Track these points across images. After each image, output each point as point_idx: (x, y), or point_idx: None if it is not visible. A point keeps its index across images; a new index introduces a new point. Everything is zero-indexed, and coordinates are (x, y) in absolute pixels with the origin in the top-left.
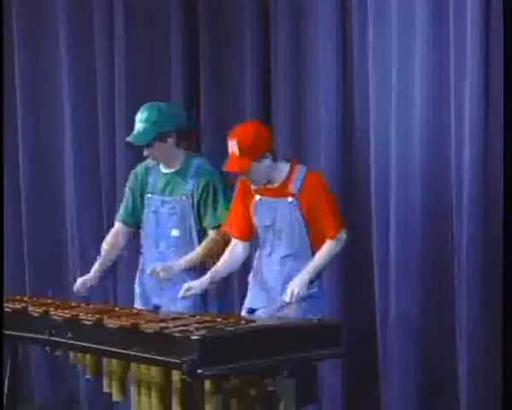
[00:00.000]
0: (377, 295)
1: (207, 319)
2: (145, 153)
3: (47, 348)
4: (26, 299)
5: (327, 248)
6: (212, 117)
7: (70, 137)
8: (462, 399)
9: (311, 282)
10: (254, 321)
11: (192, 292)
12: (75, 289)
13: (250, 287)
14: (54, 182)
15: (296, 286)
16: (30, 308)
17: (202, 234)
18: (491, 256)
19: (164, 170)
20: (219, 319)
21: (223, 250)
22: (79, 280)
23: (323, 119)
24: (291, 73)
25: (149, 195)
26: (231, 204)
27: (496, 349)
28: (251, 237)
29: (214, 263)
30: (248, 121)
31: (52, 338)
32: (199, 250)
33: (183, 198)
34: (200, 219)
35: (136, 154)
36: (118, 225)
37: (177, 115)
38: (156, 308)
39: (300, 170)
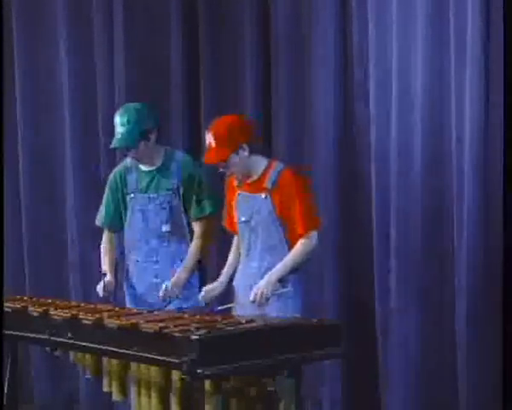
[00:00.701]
0: (377, 294)
1: (207, 318)
2: (130, 156)
3: (47, 348)
4: (25, 299)
5: (297, 248)
6: (212, 116)
7: (70, 138)
8: (461, 398)
9: (280, 281)
10: (254, 321)
11: (212, 294)
12: (101, 294)
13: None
14: (54, 182)
15: (261, 287)
16: (30, 308)
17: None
18: (492, 255)
19: (144, 168)
20: (219, 319)
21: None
22: (101, 284)
23: (323, 118)
24: (291, 71)
25: (132, 194)
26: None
27: (496, 348)
28: None
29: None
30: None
31: (52, 338)
32: (193, 252)
33: (170, 193)
34: (185, 209)
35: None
36: (105, 232)
37: (153, 112)
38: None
39: (276, 166)
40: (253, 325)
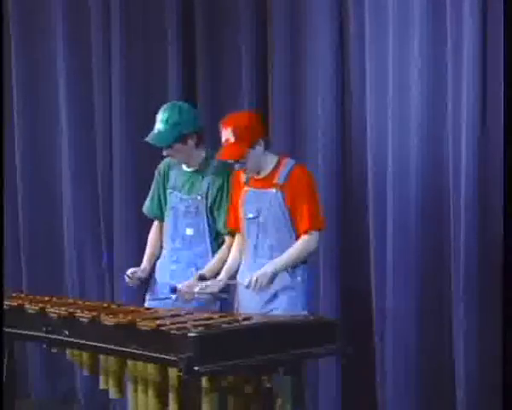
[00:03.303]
0: (374, 293)
1: (204, 316)
2: (164, 153)
3: (44, 346)
4: (22, 296)
5: (298, 245)
6: (209, 115)
7: (67, 137)
8: (460, 397)
9: (274, 275)
10: (251, 319)
11: (208, 290)
12: (126, 279)
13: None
14: (51, 180)
15: (257, 275)
16: (26, 305)
17: (215, 235)
18: (489, 253)
19: (184, 167)
20: (216, 317)
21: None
22: (130, 269)
23: (321, 116)
24: (289, 69)
25: (170, 190)
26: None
27: (495, 347)
28: None
29: None
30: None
31: (49, 335)
32: (217, 261)
33: (199, 198)
34: (213, 219)
35: (133, 152)
36: (155, 221)
37: (197, 116)
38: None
39: (288, 162)
40: (250, 322)
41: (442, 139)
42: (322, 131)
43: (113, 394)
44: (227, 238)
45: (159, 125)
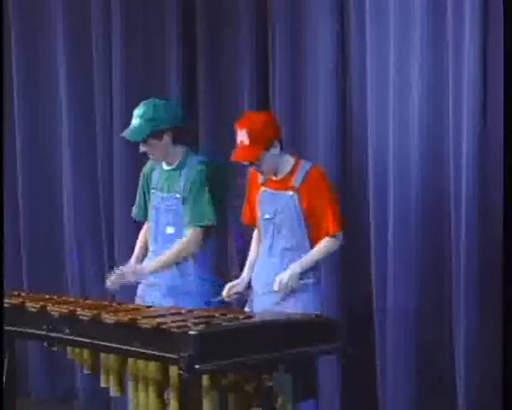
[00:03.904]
0: (375, 290)
1: (205, 314)
2: (141, 149)
3: (44, 344)
4: (23, 294)
5: (323, 245)
6: (210, 112)
7: (67, 135)
8: (460, 394)
9: (301, 275)
10: (252, 317)
11: (234, 291)
12: (109, 283)
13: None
14: (51, 180)
15: (285, 277)
16: (27, 304)
17: None
18: (490, 248)
19: (165, 167)
20: (217, 315)
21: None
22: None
23: (321, 112)
24: (289, 65)
25: (153, 190)
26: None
27: (495, 344)
28: None
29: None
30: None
31: (49, 333)
32: (170, 254)
33: (177, 195)
34: None
35: (133, 151)
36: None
37: (174, 113)
38: None
39: (305, 164)
40: (251, 320)
41: (443, 138)
42: (323, 130)
43: (113, 392)
44: (189, 231)
45: (134, 121)
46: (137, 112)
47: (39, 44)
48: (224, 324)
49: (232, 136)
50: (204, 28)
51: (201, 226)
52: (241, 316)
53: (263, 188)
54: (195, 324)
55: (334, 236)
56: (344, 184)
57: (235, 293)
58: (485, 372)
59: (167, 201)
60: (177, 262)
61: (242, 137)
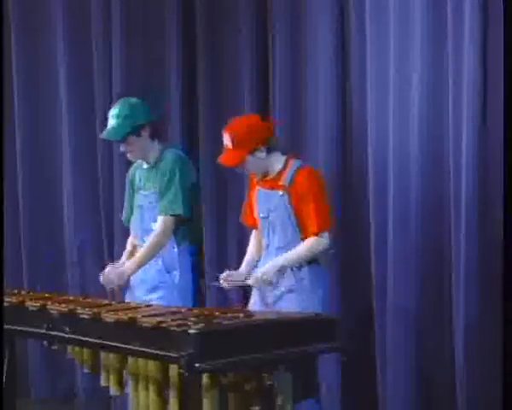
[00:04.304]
0: (375, 290)
1: (205, 313)
2: (121, 149)
3: (44, 343)
4: (23, 293)
5: (306, 245)
6: (210, 112)
7: (67, 135)
8: (460, 396)
9: (280, 271)
10: (252, 315)
11: (233, 279)
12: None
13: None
14: (51, 178)
15: (260, 272)
16: (27, 302)
17: (176, 226)
18: (490, 247)
19: (145, 165)
20: (217, 313)
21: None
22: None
23: (321, 112)
24: (289, 65)
25: (137, 191)
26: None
27: (495, 342)
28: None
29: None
30: (246, 114)
31: (49, 332)
32: (144, 249)
33: (156, 190)
34: None
35: None
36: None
37: (149, 108)
38: None
39: (294, 163)
40: (251, 319)
41: (442, 137)
42: (323, 130)
43: (113, 391)
44: (159, 219)
45: (111, 121)
46: (113, 112)
47: (39, 44)
48: (224, 322)
49: None
50: (204, 28)
51: (171, 215)
52: (241, 315)
53: (257, 187)
54: (195, 322)
55: (318, 235)
56: (344, 183)
57: (232, 281)
58: (485, 372)
59: (148, 198)
60: (154, 254)
61: (227, 141)
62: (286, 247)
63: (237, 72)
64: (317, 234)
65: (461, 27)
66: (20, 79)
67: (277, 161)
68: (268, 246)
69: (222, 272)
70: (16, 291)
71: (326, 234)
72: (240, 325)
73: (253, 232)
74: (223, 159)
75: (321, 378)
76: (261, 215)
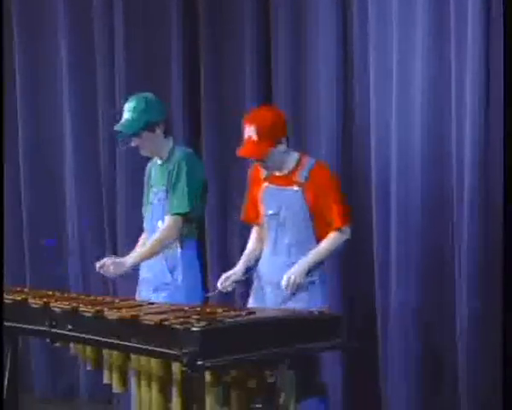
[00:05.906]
0: (377, 287)
1: (208, 310)
2: (133, 143)
3: (47, 340)
4: (26, 290)
5: (331, 240)
6: (212, 109)
7: (69, 133)
8: (462, 394)
9: (309, 271)
10: (255, 313)
11: (231, 280)
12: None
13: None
14: (54, 178)
15: (293, 274)
16: (30, 300)
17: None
18: (491, 246)
19: (158, 162)
20: (220, 311)
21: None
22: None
23: (323, 108)
24: (291, 63)
25: (151, 188)
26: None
27: (496, 341)
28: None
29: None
30: (247, 110)
31: (52, 330)
32: (148, 245)
33: (164, 188)
34: None
35: (136, 151)
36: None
37: (163, 105)
38: None
39: (309, 159)
40: (254, 316)
41: (445, 135)
42: (325, 126)
43: (116, 388)
44: (167, 218)
45: (126, 115)
46: (128, 106)
47: (41, 41)
48: (227, 320)
49: (234, 132)
50: (206, 24)
51: (179, 214)
52: (244, 312)
53: (266, 183)
54: (198, 320)
55: (341, 230)
56: (346, 180)
57: (233, 282)
58: (486, 370)
59: (158, 195)
60: (156, 251)
61: (250, 132)
62: (297, 244)
63: (239, 68)
64: (340, 229)
65: (463, 25)
66: (22, 75)
67: (292, 157)
68: (276, 244)
69: (225, 271)
70: (19, 289)
71: (348, 229)
72: (242, 322)
73: (254, 228)
74: (246, 151)
75: (323, 376)
76: (270, 212)
